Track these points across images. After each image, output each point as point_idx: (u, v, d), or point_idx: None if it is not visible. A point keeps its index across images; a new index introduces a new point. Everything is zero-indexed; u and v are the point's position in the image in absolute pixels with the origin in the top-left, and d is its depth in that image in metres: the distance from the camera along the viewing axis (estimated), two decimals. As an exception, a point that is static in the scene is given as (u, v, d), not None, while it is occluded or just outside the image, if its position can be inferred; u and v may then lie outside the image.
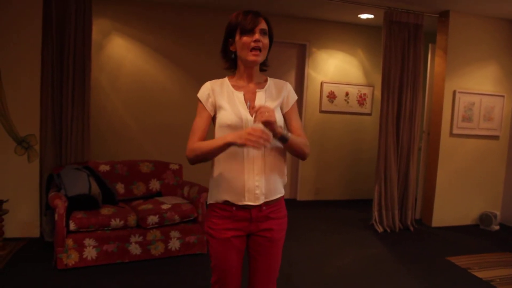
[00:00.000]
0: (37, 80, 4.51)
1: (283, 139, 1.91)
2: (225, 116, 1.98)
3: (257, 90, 2.06)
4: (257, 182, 1.98)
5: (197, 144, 1.96)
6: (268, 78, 2.14)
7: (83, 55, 4.63)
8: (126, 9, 5.96)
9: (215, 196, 2.04)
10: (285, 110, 2.11)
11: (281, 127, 1.93)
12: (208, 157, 1.94)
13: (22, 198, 4.51)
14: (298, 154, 2.04)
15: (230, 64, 2.12)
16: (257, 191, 1.98)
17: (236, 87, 2.05)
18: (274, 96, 2.08)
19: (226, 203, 2.01)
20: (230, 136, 1.84)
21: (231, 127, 1.96)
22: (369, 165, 7.24)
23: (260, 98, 2.04)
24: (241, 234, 2.06)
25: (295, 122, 2.12)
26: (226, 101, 2.01)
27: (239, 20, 1.98)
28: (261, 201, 2.00)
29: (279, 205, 2.11)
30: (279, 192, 2.09)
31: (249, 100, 2.03)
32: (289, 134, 1.94)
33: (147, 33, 6.08)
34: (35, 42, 4.47)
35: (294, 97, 2.14)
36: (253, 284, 2.13)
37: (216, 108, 2.02)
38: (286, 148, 2.00)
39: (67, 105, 4.61)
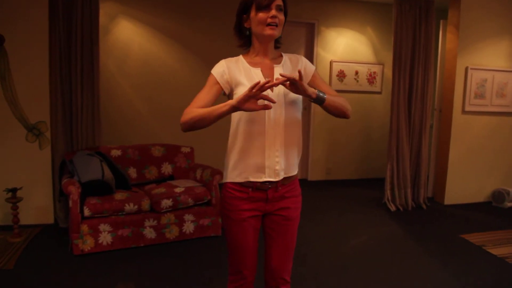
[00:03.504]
0: (46, 66, 4.48)
1: (319, 99, 1.89)
2: None
3: (274, 65, 2.03)
4: (277, 158, 1.97)
5: (196, 109, 1.88)
6: (283, 54, 2.11)
7: (91, 39, 4.58)
8: (132, -8, 5.90)
9: (234, 174, 2.02)
10: (306, 82, 2.07)
11: (313, 88, 1.89)
12: (205, 121, 1.85)
13: (35, 185, 4.53)
14: (340, 113, 2.01)
15: (244, 42, 2.08)
16: (277, 167, 1.98)
17: (252, 64, 2.02)
18: (291, 71, 2.05)
19: (244, 184, 2.00)
20: (233, 101, 1.77)
21: None
22: (379, 144, 7.21)
23: (279, 74, 2.00)
24: (257, 214, 2.06)
25: (323, 86, 2.08)
26: (244, 77, 1.98)
27: None
28: (281, 177, 2.00)
29: (293, 184, 2.11)
30: (296, 168, 2.09)
31: (267, 76, 2.00)
32: (324, 94, 1.92)
33: (154, 15, 6.01)
34: (42, 27, 4.43)
35: (311, 67, 2.11)
36: (271, 263, 2.13)
37: (232, 86, 1.99)
38: (326, 109, 1.97)
39: (76, 90, 4.58)
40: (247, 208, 2.02)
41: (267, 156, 1.96)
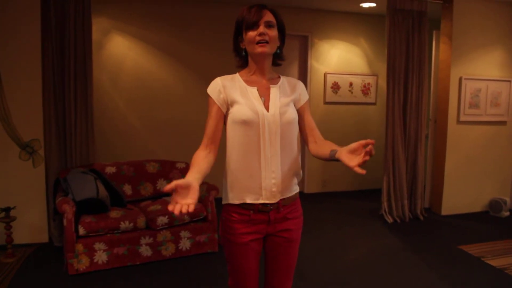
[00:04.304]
0: (39, 83, 4.44)
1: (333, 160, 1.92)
2: (240, 111, 1.91)
3: (271, 86, 2.01)
4: (274, 179, 1.93)
5: (194, 159, 1.86)
6: (281, 76, 2.09)
7: (84, 55, 4.56)
8: (125, 7, 5.88)
9: (231, 196, 1.98)
10: (297, 107, 2.06)
11: (332, 151, 1.91)
12: None
13: (29, 204, 4.46)
14: None
15: (242, 62, 2.06)
16: (274, 189, 1.94)
17: (249, 83, 1.99)
18: (288, 93, 2.04)
19: (243, 206, 1.95)
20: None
21: (247, 122, 1.89)
22: (375, 155, 7.14)
23: (275, 94, 1.99)
24: (259, 237, 2.02)
25: (309, 120, 2.10)
26: (240, 95, 1.95)
27: (244, 15, 1.93)
28: (277, 199, 1.96)
29: (295, 205, 2.08)
30: (295, 189, 2.06)
31: (263, 96, 1.97)
32: (334, 152, 1.90)
33: (147, 30, 6.01)
34: (35, 44, 4.40)
35: (306, 95, 2.12)
36: (271, 284, 2.11)
37: (228, 104, 1.96)
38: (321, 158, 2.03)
39: (70, 107, 4.54)
40: (249, 231, 1.98)
41: (263, 178, 1.92)
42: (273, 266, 2.09)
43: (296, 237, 2.09)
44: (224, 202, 2.03)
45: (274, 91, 2.00)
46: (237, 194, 1.95)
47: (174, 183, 1.50)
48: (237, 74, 2.04)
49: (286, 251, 2.07)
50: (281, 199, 1.98)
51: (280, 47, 2.04)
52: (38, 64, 4.43)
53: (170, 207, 1.48)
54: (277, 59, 2.07)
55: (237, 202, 1.96)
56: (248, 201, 1.94)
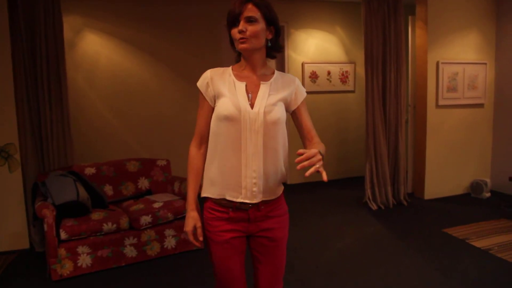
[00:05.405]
0: (10, 86, 4.29)
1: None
2: (223, 107, 1.86)
3: (261, 82, 1.93)
4: (255, 179, 1.87)
5: (191, 162, 1.99)
6: (276, 71, 2.02)
7: (57, 55, 4.44)
8: (96, 4, 5.74)
9: (211, 190, 1.93)
10: (293, 107, 2.00)
11: (320, 152, 1.77)
12: None
13: (8, 210, 4.34)
14: None
15: (238, 57, 2.00)
16: (255, 189, 1.88)
17: (239, 77, 1.93)
18: (279, 91, 1.96)
19: (221, 203, 1.91)
20: (188, 214, 1.95)
21: (229, 118, 1.84)
22: (357, 142, 7.22)
23: (264, 91, 1.91)
24: (241, 235, 1.96)
25: (306, 121, 2.02)
26: (227, 90, 1.89)
27: (229, 11, 1.88)
28: (258, 200, 1.90)
29: (278, 202, 2.00)
30: (279, 191, 1.99)
31: (251, 92, 1.91)
32: (321, 151, 1.80)
33: (120, 27, 5.88)
34: (4, 45, 4.24)
35: (303, 93, 2.02)
36: (260, 286, 2.04)
37: (215, 98, 1.92)
38: None
39: (44, 109, 4.43)
40: (229, 228, 1.93)
41: (243, 176, 1.86)
42: (260, 268, 2.03)
43: (281, 236, 2.02)
44: (203, 194, 1.97)
45: (263, 88, 1.92)
46: (218, 189, 1.91)
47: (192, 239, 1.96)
48: (230, 67, 1.99)
49: (271, 251, 2.00)
50: (262, 201, 1.92)
51: (272, 39, 1.94)
52: (8, 66, 4.28)
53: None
54: (272, 51, 1.98)
55: (216, 197, 1.92)
56: (228, 197, 1.89)
